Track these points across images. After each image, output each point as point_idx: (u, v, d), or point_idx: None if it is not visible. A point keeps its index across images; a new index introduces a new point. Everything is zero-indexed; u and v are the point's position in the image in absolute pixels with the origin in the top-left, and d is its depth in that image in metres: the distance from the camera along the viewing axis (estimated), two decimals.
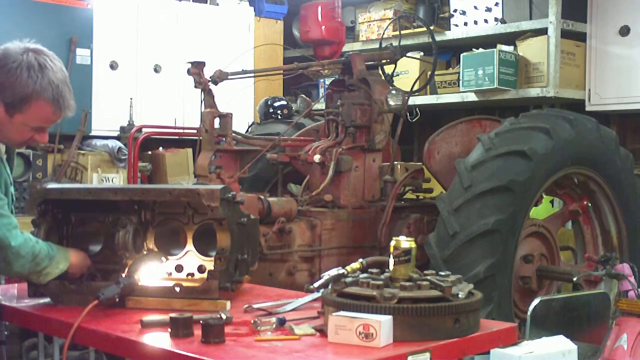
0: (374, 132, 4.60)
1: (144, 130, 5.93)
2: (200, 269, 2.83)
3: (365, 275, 2.43)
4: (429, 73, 5.22)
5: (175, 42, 6.87)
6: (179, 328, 2.26)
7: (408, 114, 4.86)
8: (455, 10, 6.55)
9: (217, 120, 4.30)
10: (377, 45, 5.56)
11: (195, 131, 4.74)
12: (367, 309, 2.22)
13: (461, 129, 4.69)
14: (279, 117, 6.00)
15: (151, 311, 2.58)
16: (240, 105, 6.53)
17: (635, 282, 4.12)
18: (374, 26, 7.14)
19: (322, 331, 2.29)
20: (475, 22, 6.43)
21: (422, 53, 6.48)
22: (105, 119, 6.40)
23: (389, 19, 6.76)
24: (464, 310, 2.28)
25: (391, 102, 4.56)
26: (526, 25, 6.08)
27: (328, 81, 5.58)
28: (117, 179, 6.17)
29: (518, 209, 4.10)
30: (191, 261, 2.85)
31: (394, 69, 5.11)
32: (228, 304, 2.62)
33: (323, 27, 5.44)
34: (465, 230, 3.98)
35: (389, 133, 4.71)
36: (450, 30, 6.62)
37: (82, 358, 3.70)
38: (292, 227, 4.20)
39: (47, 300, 2.73)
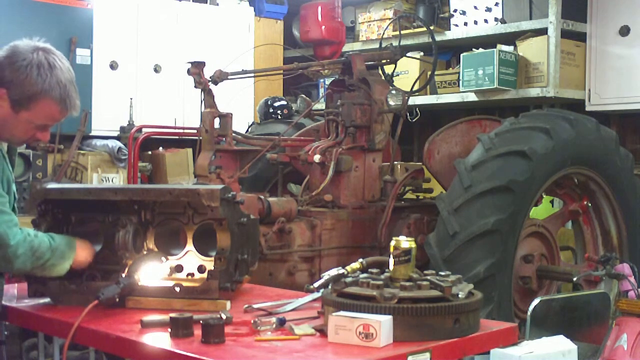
0: (374, 132, 4.60)
1: (144, 130, 5.92)
2: (200, 269, 2.83)
3: (365, 275, 2.43)
4: (429, 73, 5.22)
5: (175, 42, 6.87)
6: (179, 328, 2.26)
7: (408, 114, 4.86)
8: (455, 10, 6.54)
9: (217, 120, 4.29)
10: (377, 45, 5.56)
11: (195, 131, 4.74)
12: (367, 309, 2.22)
13: (461, 129, 4.69)
14: (279, 117, 6.00)
15: (151, 311, 2.58)
16: (240, 105, 6.53)
17: (635, 282, 4.12)
18: (374, 26, 7.14)
19: (322, 331, 2.29)
20: (475, 22, 6.42)
21: (422, 53, 6.48)
22: (105, 119, 6.40)
23: (389, 19, 6.76)
24: (464, 310, 2.28)
25: (391, 102, 4.56)
26: (526, 25, 6.08)
27: (328, 81, 5.58)
28: (117, 179, 6.17)
29: (518, 209, 4.10)
30: (191, 261, 2.84)
31: (394, 69, 5.11)
32: (228, 304, 2.63)
33: (323, 27, 5.44)
34: (465, 230, 3.98)
35: (389, 133, 4.71)
36: (450, 30, 6.62)
37: (82, 358, 3.71)
38: (292, 227, 4.19)
39: (47, 300, 2.73)
